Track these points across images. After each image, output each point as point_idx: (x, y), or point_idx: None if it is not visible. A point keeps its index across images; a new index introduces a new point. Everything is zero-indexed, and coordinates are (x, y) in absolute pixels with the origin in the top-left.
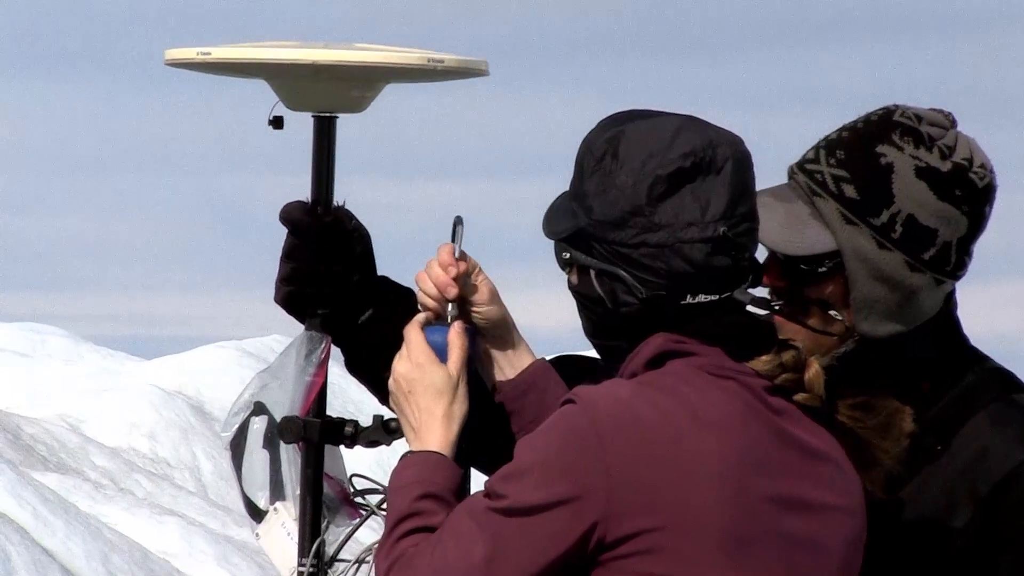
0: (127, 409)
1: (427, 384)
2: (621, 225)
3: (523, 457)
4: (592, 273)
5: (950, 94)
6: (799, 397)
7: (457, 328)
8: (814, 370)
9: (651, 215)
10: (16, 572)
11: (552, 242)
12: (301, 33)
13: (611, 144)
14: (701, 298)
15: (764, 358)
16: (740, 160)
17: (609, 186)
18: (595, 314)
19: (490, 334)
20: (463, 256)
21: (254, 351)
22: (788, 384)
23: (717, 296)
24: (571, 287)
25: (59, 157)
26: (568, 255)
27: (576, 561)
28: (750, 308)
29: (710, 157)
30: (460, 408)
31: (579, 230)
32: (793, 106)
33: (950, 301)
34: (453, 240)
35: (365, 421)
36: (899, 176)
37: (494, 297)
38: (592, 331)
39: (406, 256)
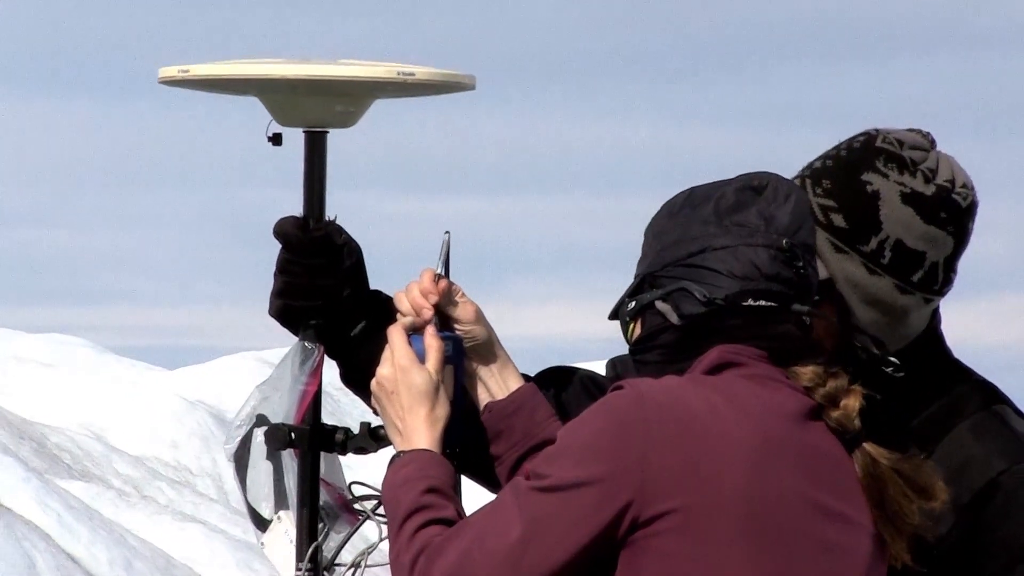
0: (150, 418)
1: (409, 385)
2: (682, 243)
3: (566, 439)
4: (656, 304)
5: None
6: (836, 413)
7: (430, 331)
8: (855, 395)
9: (716, 224)
10: None
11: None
12: (325, 50)
13: (673, 203)
14: (762, 302)
15: (811, 368)
16: (804, 199)
17: (675, 226)
18: (663, 343)
19: (476, 352)
20: (443, 275)
21: (274, 361)
22: (827, 399)
23: (776, 304)
24: (635, 343)
25: (85, 173)
26: (633, 304)
27: (610, 540)
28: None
29: (775, 186)
30: (442, 409)
31: (642, 280)
32: (798, 122)
33: (935, 317)
34: (440, 257)
35: None
36: (886, 203)
37: (479, 317)
38: (662, 359)
39: (401, 270)
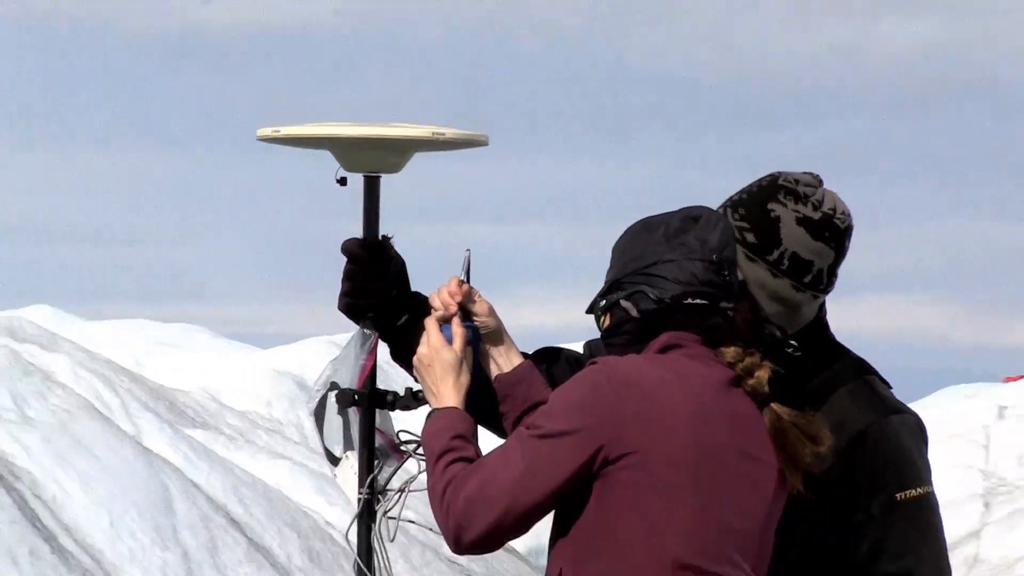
0: (251, 384)
1: (441, 361)
2: (640, 258)
3: (555, 400)
4: (621, 302)
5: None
6: (751, 381)
7: (456, 321)
8: (765, 368)
9: (665, 244)
10: (174, 500)
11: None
12: (389, 114)
13: (633, 228)
14: (698, 301)
15: (733, 348)
16: (729, 226)
17: (634, 245)
18: (626, 331)
19: (489, 338)
20: (465, 281)
21: (341, 343)
22: (745, 371)
23: (708, 302)
24: (605, 331)
25: (192, 211)
26: (604, 302)
27: (587, 473)
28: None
29: (708, 217)
30: (465, 378)
31: (610, 285)
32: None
33: (822, 310)
34: (463, 268)
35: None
36: (785, 225)
37: (492, 312)
38: (625, 343)
39: (434, 277)
